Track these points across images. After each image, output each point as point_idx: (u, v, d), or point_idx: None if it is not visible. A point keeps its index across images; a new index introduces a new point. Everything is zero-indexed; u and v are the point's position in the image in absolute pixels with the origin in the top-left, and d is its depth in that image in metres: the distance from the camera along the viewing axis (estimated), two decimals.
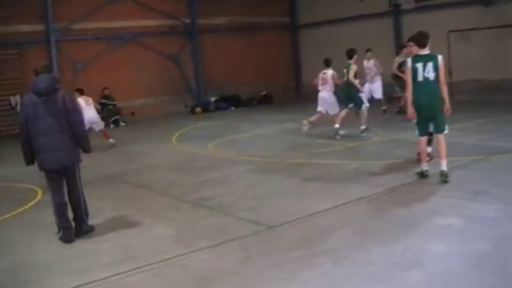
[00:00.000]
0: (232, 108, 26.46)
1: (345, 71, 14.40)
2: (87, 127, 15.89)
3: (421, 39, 8.83)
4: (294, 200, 8.51)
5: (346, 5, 26.61)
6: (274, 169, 11.09)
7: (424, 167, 8.99)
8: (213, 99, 26.59)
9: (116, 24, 24.30)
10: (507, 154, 10.71)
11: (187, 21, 26.63)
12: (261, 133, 16.96)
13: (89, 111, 15.69)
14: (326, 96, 14.73)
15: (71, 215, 7.44)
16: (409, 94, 8.79)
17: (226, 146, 14.76)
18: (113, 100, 22.82)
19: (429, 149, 9.89)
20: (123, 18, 24.37)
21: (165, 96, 25.85)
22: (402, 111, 13.93)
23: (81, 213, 7.49)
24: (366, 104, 14.56)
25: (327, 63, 15.00)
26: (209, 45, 27.09)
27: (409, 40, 9.31)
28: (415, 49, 8.97)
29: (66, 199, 7.41)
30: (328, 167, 10.75)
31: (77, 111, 7.52)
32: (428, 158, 9.50)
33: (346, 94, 14.51)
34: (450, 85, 21.17)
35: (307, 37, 29.91)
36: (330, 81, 14.67)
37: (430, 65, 8.59)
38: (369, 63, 18.45)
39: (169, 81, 25.93)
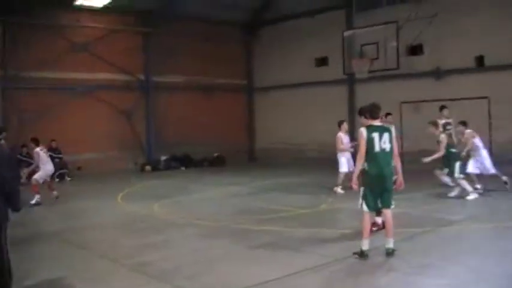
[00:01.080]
0: (183, 168, 26.16)
1: None
2: (41, 181, 15.51)
3: (373, 111, 8.73)
4: (239, 269, 8.19)
5: (302, 71, 27.12)
6: (220, 234, 10.78)
7: (365, 245, 8.41)
8: (163, 157, 26.30)
9: (71, 75, 24.08)
10: (454, 226, 10.75)
11: (142, 77, 26.50)
12: (209, 196, 16.66)
13: (48, 163, 15.31)
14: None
15: None
16: (359, 164, 8.56)
17: (172, 208, 14.38)
18: (60, 153, 22.18)
19: (379, 220, 9.86)
20: (77, 70, 24.18)
21: (114, 151, 25.38)
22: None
23: (5, 280, 6.74)
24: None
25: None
26: (164, 103, 26.97)
27: (361, 111, 9.12)
28: (365, 121, 8.82)
29: None
30: (276, 234, 10.47)
31: (10, 165, 6.88)
32: (376, 228, 9.38)
33: None
34: (401, 155, 21.61)
35: (263, 100, 30.14)
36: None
37: (386, 136, 8.47)
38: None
39: (120, 136, 25.56)
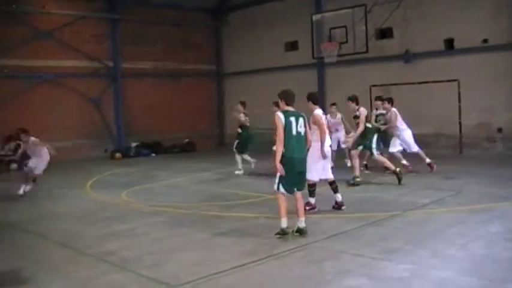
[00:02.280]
0: (153, 155, 25.98)
1: None
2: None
3: (288, 97, 9.00)
4: (203, 256, 8.09)
5: (271, 56, 27.04)
6: (187, 222, 10.67)
7: (284, 223, 8.71)
8: (134, 144, 26.11)
9: (36, 63, 23.65)
10: (422, 209, 10.79)
11: (111, 64, 26.19)
12: (178, 182, 16.53)
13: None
14: None
15: None
16: (280, 148, 8.67)
17: (140, 195, 14.21)
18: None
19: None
20: (44, 57, 23.82)
21: (84, 139, 25.14)
22: None
23: None
24: None
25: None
26: (133, 90, 26.73)
27: (278, 96, 9.21)
28: (282, 105, 9.05)
29: None
30: (242, 221, 10.40)
31: None
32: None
33: None
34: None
35: (232, 85, 30.04)
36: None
37: (301, 120, 8.83)
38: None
39: (90, 124, 25.35)
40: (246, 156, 17.67)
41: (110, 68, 26.22)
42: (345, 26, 19.93)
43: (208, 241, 9.06)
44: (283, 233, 8.70)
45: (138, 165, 21.87)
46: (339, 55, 20.25)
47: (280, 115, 8.73)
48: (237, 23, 29.61)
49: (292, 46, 26.82)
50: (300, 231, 8.79)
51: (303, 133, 8.83)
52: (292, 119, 8.72)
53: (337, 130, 17.39)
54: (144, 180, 17.22)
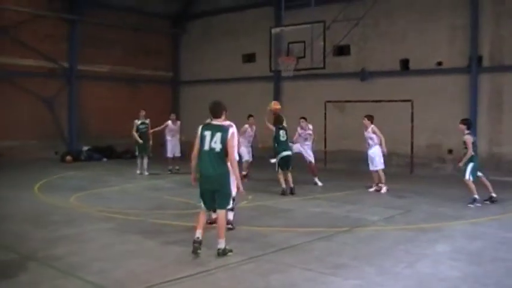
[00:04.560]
0: (105, 159, 25.66)
1: None
2: None
3: (214, 109, 8.72)
4: (151, 264, 8.01)
5: (229, 66, 27.15)
6: (136, 229, 10.55)
7: (197, 234, 8.43)
8: (85, 148, 25.75)
9: None
10: (371, 227, 10.91)
11: (67, 65, 25.82)
12: (129, 188, 16.39)
13: None
14: None
15: None
16: (194, 161, 8.66)
17: (90, 200, 14.01)
18: None
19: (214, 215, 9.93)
20: None
21: (35, 140, 24.66)
22: None
23: None
24: None
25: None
26: (88, 93, 26.43)
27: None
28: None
29: None
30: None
31: None
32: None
33: None
34: (324, 153, 21.92)
35: (188, 94, 29.98)
36: None
37: (218, 135, 8.40)
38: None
39: (42, 125, 24.87)
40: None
41: (66, 69, 25.84)
42: (303, 41, 20.05)
43: (158, 249, 8.98)
44: (193, 243, 8.39)
45: (89, 169, 21.58)
46: (296, 69, 20.37)
47: (198, 129, 8.60)
48: (196, 32, 29.58)
49: (250, 58, 26.92)
50: (218, 252, 8.37)
51: (217, 149, 8.37)
52: (207, 133, 8.44)
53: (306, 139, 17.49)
54: (94, 184, 16.99)
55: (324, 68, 19.97)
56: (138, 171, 19.70)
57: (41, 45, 24.68)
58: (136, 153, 19.93)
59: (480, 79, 19.69)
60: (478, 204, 13.12)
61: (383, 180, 15.62)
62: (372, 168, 15.88)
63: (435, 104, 20.49)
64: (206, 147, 8.41)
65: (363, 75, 22.25)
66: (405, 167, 21.20)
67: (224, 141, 8.36)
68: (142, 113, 20.21)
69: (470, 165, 13.28)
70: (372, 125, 15.89)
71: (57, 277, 7.42)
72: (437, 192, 15.72)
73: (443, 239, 9.78)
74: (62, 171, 20.71)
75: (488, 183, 13.61)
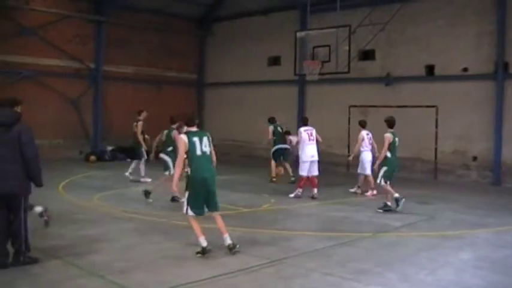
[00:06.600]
0: (129, 160, 25.70)
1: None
2: None
3: (188, 121, 9.13)
4: (172, 266, 8.06)
5: (254, 69, 27.11)
6: (158, 230, 10.62)
7: (203, 242, 8.63)
8: (109, 148, 25.87)
9: (17, 59, 23.42)
10: (394, 232, 10.85)
11: (92, 66, 26.03)
12: (151, 189, 16.38)
13: None
14: None
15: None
16: (179, 169, 8.76)
17: (112, 200, 14.13)
18: None
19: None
20: (25, 53, 23.58)
21: (60, 139, 24.87)
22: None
23: (19, 245, 7.71)
24: None
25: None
26: (113, 93, 26.56)
27: (180, 121, 9.78)
28: (185, 129, 9.46)
29: (6, 227, 7.66)
30: (213, 233, 10.32)
31: (30, 145, 7.91)
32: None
33: None
34: (342, 157, 21.83)
35: (212, 96, 30.02)
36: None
37: (205, 140, 8.84)
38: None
39: (67, 125, 25.04)
40: None
41: (91, 70, 26.03)
42: (328, 45, 20.01)
43: (180, 251, 9.02)
44: (203, 252, 8.57)
45: (112, 169, 21.66)
46: (321, 73, 20.31)
47: (183, 137, 8.82)
48: (222, 34, 29.61)
49: (275, 61, 26.88)
50: (229, 248, 8.74)
51: (208, 152, 8.84)
52: (196, 138, 8.74)
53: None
54: (117, 185, 17.09)
55: (348, 72, 19.91)
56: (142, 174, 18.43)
57: (67, 46, 24.92)
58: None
59: (506, 85, 19.45)
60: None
61: (372, 185, 15.71)
62: (360, 171, 16.21)
63: (460, 110, 20.29)
64: (198, 152, 8.72)
65: (388, 80, 22.12)
66: (429, 173, 21.03)
67: (210, 145, 8.94)
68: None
69: (384, 169, 13.26)
70: (363, 131, 16.17)
71: (79, 276, 7.49)
72: (461, 199, 15.59)
73: (466, 247, 9.70)
74: (86, 170, 20.89)
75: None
